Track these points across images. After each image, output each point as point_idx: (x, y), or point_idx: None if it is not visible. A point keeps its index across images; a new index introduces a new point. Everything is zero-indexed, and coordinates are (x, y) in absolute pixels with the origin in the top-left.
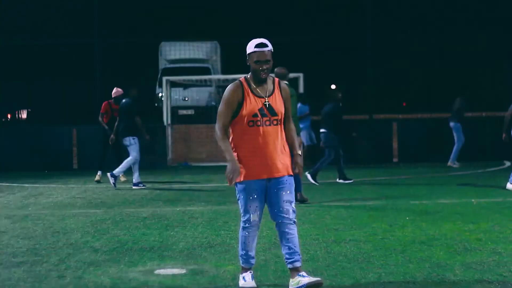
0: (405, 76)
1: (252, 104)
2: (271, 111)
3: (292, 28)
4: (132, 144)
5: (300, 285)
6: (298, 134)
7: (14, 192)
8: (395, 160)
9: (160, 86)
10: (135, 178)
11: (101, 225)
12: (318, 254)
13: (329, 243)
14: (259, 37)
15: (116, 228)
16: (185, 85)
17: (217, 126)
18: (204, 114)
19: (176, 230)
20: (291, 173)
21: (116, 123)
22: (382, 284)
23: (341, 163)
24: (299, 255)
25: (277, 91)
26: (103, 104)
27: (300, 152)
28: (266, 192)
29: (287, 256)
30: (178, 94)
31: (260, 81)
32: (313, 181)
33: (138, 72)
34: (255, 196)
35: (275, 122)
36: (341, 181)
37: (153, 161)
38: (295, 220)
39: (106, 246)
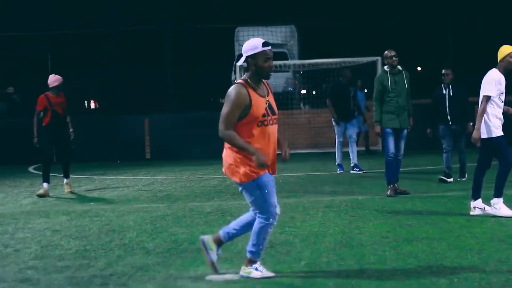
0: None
1: (260, 105)
2: (272, 110)
3: (375, 9)
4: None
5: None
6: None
7: (80, 185)
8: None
9: (236, 72)
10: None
11: (161, 222)
12: (386, 255)
13: (399, 241)
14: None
15: (176, 226)
16: None
17: (223, 128)
18: (281, 100)
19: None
20: None
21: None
22: None
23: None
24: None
25: (270, 91)
26: (39, 99)
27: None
28: None
29: (253, 248)
30: None
31: (262, 80)
32: None
33: (211, 59)
34: (274, 190)
35: (275, 121)
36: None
37: None
38: None
39: (160, 246)
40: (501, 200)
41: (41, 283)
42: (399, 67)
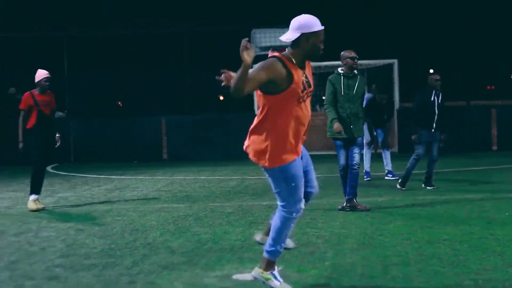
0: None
1: (299, 78)
2: (308, 82)
3: (386, 11)
4: None
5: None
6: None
7: (99, 185)
8: (494, 148)
9: None
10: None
11: (183, 222)
12: (409, 256)
13: (422, 243)
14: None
15: (198, 225)
16: None
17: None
18: None
19: (261, 228)
20: None
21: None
22: None
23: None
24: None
25: (308, 65)
26: (23, 97)
27: None
28: None
29: (273, 246)
30: None
31: (310, 59)
32: None
33: (226, 60)
34: (302, 183)
35: (310, 94)
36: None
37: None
38: None
39: (184, 246)
40: None
41: (69, 281)
42: (355, 71)
